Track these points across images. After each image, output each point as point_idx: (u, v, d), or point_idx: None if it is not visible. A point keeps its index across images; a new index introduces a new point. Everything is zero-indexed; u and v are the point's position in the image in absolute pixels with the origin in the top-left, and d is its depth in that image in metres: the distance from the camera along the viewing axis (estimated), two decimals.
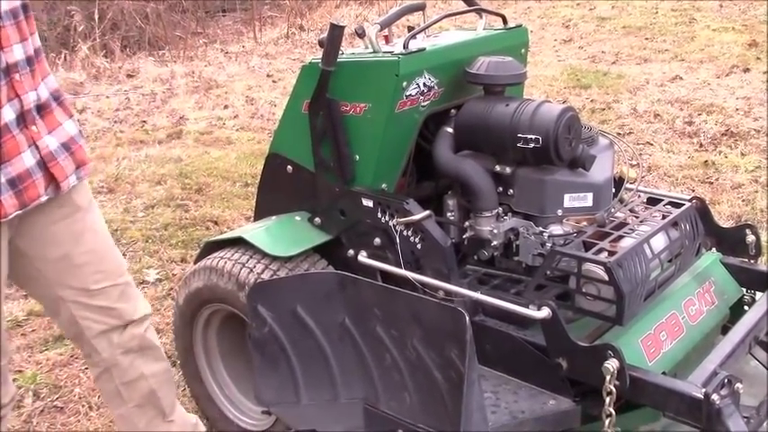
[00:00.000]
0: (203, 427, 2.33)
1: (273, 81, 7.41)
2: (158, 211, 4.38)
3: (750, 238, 2.34)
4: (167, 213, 4.34)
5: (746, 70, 6.46)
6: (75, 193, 1.91)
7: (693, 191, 4.20)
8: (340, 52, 2.18)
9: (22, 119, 1.74)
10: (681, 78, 6.40)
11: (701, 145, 4.92)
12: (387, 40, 2.45)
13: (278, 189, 2.44)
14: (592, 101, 5.97)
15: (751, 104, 5.56)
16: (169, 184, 4.78)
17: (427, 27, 2.32)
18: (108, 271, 1.97)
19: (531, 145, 2.05)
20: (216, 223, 4.21)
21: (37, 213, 1.83)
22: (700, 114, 5.43)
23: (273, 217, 2.41)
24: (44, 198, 1.80)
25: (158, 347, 2.14)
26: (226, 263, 2.26)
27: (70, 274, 1.92)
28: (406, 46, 2.16)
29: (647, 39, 7.95)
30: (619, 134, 5.08)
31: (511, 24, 2.53)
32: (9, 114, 1.70)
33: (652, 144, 5.00)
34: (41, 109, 1.81)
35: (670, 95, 5.93)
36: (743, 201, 4.06)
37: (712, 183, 4.34)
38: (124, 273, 2.04)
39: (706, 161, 4.62)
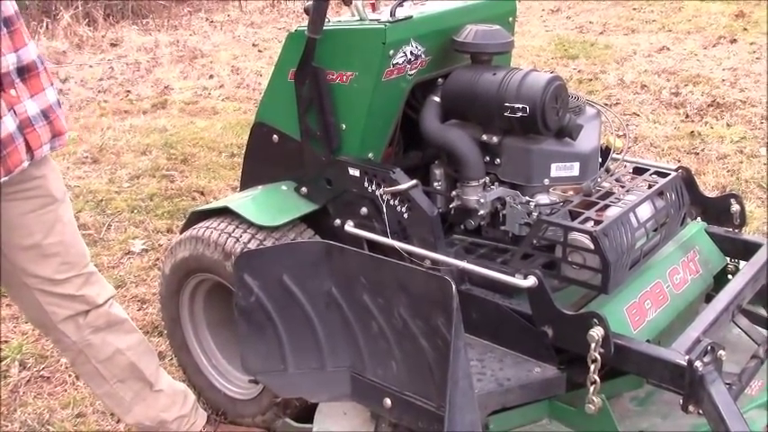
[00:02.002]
0: (193, 395, 2.34)
1: (259, 50, 7.36)
2: (144, 182, 4.35)
3: (735, 207, 2.35)
4: (153, 184, 4.32)
5: (733, 41, 6.46)
6: (51, 183, 1.88)
7: (679, 161, 4.21)
8: (326, 20, 2.16)
9: None
10: (668, 49, 6.40)
11: (688, 116, 4.93)
12: (373, 7, 2.42)
13: (264, 158, 2.43)
14: (579, 71, 5.96)
15: (737, 75, 5.58)
16: (154, 155, 4.75)
17: None
18: (73, 262, 1.96)
19: (518, 114, 2.04)
20: (202, 194, 4.19)
21: (11, 201, 1.81)
22: (686, 85, 5.44)
23: (260, 186, 2.40)
24: (26, 164, 1.77)
25: (126, 320, 2.13)
26: (212, 232, 2.25)
27: (37, 264, 1.90)
28: (392, 14, 2.14)
29: (634, 9, 7.93)
30: (606, 105, 5.08)
31: None
32: None
33: (638, 115, 5.01)
34: (24, 72, 1.76)
35: (657, 66, 5.93)
36: (728, 171, 4.08)
37: (698, 153, 4.35)
38: (88, 263, 2.03)
39: (692, 132, 4.63)
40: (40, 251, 1.89)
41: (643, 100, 5.25)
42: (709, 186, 3.90)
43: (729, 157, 4.25)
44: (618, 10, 7.96)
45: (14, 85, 1.73)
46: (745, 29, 6.77)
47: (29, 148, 1.77)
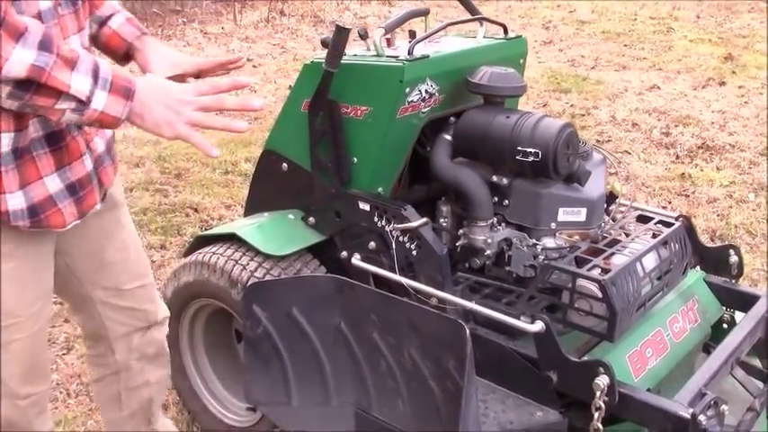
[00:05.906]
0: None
1: (254, 66, 7.36)
2: (137, 195, 4.33)
3: (733, 258, 2.39)
4: (146, 197, 4.30)
5: (722, 84, 6.57)
6: (113, 188, 1.83)
7: (670, 203, 4.27)
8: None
9: None
10: (658, 88, 6.49)
11: (678, 157, 5.00)
12: (389, 42, 2.44)
13: (271, 186, 2.43)
14: (572, 106, 6.03)
15: (726, 118, 5.67)
16: (147, 167, 4.73)
17: (432, 34, 2.32)
18: (136, 271, 1.91)
19: (531, 158, 2.07)
20: (196, 210, 4.17)
21: None
22: (677, 126, 5.52)
23: (266, 214, 2.40)
24: (99, 206, 1.69)
25: (167, 354, 2.10)
26: (218, 258, 2.25)
27: (101, 273, 1.84)
28: (410, 52, 2.17)
29: (625, 45, 8.05)
30: (598, 141, 5.14)
31: (511, 35, 2.54)
32: None
33: (630, 153, 5.07)
34: None
35: (648, 105, 6.01)
36: (718, 215, 4.14)
37: (688, 196, 4.41)
38: (149, 272, 1.98)
39: (683, 173, 4.70)
40: (102, 258, 1.83)
41: (634, 138, 5.32)
42: (699, 230, 3.95)
43: (719, 201, 4.31)
44: (609, 45, 8.07)
45: None
46: (734, 72, 6.89)
47: (101, 186, 1.70)
